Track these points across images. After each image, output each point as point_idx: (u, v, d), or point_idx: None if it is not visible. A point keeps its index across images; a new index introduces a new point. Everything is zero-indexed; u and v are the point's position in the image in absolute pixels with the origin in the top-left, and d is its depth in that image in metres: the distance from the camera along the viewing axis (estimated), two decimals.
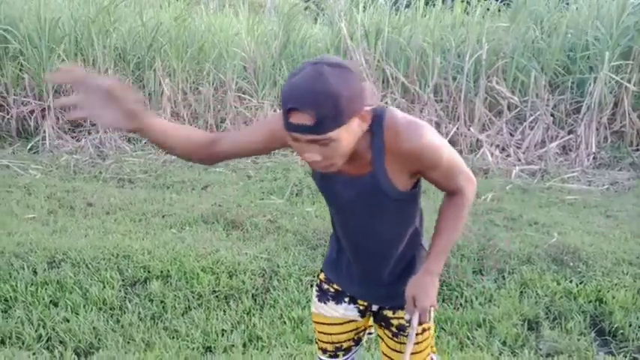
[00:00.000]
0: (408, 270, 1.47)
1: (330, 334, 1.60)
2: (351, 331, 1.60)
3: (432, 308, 1.43)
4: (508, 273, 3.19)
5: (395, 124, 1.24)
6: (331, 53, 6.23)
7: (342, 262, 1.54)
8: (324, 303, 1.59)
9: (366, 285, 1.51)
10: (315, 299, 1.62)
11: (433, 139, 1.26)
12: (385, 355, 1.59)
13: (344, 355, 1.63)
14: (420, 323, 1.42)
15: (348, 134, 1.15)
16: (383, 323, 1.55)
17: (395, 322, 1.52)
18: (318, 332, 1.64)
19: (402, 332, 1.50)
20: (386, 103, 6.05)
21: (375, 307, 1.55)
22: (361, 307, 1.56)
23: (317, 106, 1.09)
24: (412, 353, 1.47)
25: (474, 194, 1.40)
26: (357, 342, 1.64)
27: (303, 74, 1.12)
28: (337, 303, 1.57)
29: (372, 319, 1.61)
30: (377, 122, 1.25)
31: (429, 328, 1.52)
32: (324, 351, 1.64)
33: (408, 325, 1.45)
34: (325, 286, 1.59)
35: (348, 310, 1.57)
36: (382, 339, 1.58)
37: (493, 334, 2.68)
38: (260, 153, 1.43)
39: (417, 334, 1.46)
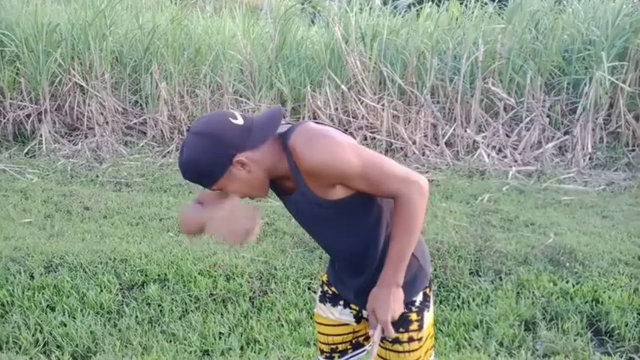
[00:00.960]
0: None
1: (327, 334, 1.63)
2: (347, 334, 1.61)
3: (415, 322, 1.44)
4: (505, 274, 3.20)
5: (293, 145, 1.29)
6: (327, 56, 6.24)
7: (333, 266, 1.59)
8: (323, 304, 1.63)
9: (353, 289, 1.52)
10: (317, 299, 1.66)
11: (332, 152, 1.26)
12: None
13: (339, 358, 1.63)
14: (384, 337, 1.41)
15: (233, 181, 1.32)
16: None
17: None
18: (317, 332, 1.67)
19: (386, 338, 1.46)
20: (382, 105, 6.06)
21: (365, 314, 1.52)
22: (354, 312, 1.58)
23: (187, 174, 1.33)
24: None
25: (419, 193, 1.30)
26: (356, 346, 1.63)
27: (183, 143, 1.34)
28: (333, 305, 1.60)
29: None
30: (285, 146, 1.31)
31: (419, 339, 1.48)
32: (322, 351, 1.66)
33: (400, 331, 1.44)
34: (325, 288, 1.63)
35: (343, 315, 1.59)
36: None
37: (490, 335, 2.69)
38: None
39: (402, 343, 1.46)
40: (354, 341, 1.63)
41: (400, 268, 1.35)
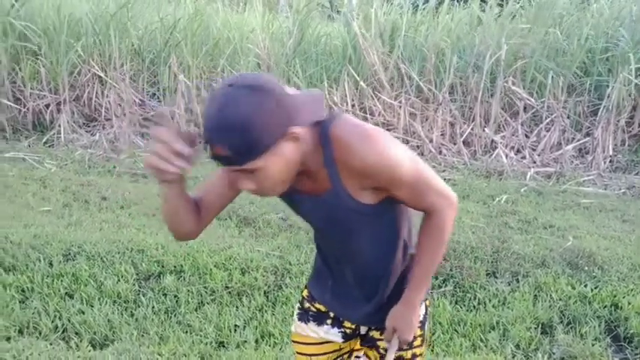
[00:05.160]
0: (401, 286, 1.34)
1: (309, 354, 1.46)
2: (332, 352, 1.46)
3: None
4: (522, 276, 3.16)
5: (341, 137, 1.12)
6: (347, 52, 6.21)
7: (327, 281, 1.42)
8: (305, 323, 1.46)
9: (355, 305, 1.38)
10: (295, 318, 1.50)
11: (388, 153, 1.12)
12: None
13: None
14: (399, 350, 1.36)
15: (278, 159, 1.07)
16: (370, 344, 1.45)
17: (382, 343, 1.41)
18: (297, 354, 1.50)
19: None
20: (400, 102, 6.02)
21: (363, 330, 1.44)
22: (347, 331, 1.43)
23: (227, 139, 1.02)
24: None
25: (452, 213, 1.23)
26: None
27: (214, 101, 1.04)
28: (318, 324, 1.44)
29: (359, 342, 1.48)
30: (323, 136, 1.13)
31: (420, 354, 1.42)
32: None
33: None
34: (307, 305, 1.46)
35: (330, 334, 1.44)
36: None
37: (506, 337, 2.66)
38: (233, 197, 1.32)
39: None
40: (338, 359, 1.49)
41: (425, 286, 1.30)
